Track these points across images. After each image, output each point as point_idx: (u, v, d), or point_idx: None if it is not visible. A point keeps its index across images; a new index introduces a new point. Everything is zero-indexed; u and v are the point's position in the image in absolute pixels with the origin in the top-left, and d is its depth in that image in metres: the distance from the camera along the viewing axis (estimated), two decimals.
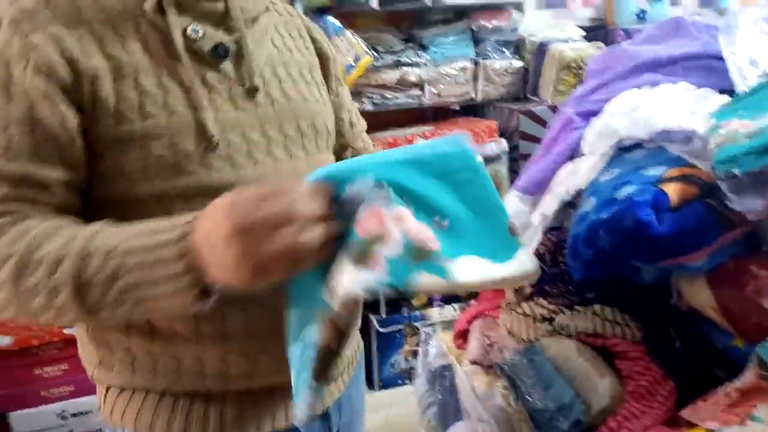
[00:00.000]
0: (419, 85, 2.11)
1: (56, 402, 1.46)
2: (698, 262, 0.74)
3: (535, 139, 2.00)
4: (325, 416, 0.78)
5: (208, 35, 0.66)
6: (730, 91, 0.97)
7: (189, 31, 0.64)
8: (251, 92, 0.69)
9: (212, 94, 0.66)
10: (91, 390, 1.52)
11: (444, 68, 2.14)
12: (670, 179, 0.77)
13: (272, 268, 0.50)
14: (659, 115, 0.90)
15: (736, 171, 0.65)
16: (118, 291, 0.53)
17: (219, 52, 0.66)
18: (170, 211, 0.62)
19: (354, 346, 0.86)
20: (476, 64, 2.17)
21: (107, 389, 0.76)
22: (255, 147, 0.70)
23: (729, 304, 0.73)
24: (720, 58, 1.00)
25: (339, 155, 0.89)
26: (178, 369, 0.69)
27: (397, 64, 2.08)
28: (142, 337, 0.69)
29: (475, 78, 2.18)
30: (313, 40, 0.84)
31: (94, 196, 0.66)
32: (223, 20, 0.67)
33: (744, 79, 0.98)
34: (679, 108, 0.92)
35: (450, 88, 2.17)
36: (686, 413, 0.68)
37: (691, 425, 0.66)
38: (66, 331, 1.42)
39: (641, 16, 2.26)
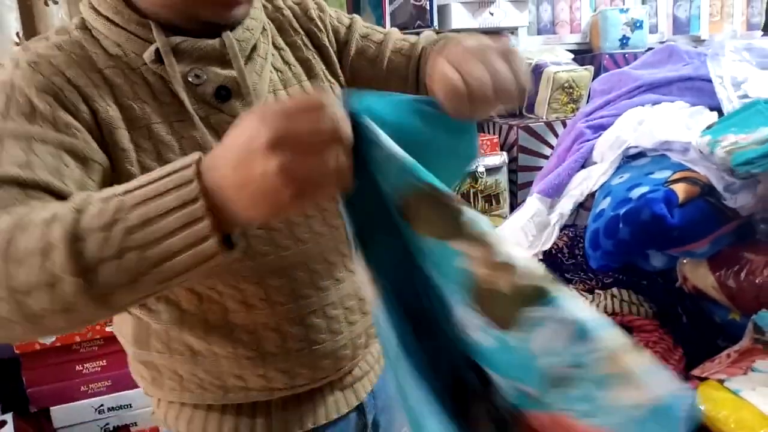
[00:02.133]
0: None
1: (95, 397, 1.54)
2: (701, 249, 0.89)
3: (533, 152, 2.14)
4: (359, 407, 0.81)
5: (209, 77, 0.66)
6: (718, 108, 1.13)
7: (190, 78, 0.65)
8: None
9: (221, 136, 0.64)
10: (126, 386, 1.60)
11: None
12: (676, 181, 0.92)
13: (307, 191, 0.43)
14: (661, 128, 1.06)
15: (756, 170, 0.77)
16: (119, 234, 0.44)
17: (221, 94, 0.67)
18: None
19: None
20: None
21: (159, 400, 0.80)
22: None
23: (727, 284, 0.87)
24: (709, 80, 1.16)
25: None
26: (223, 386, 0.73)
27: None
28: (185, 360, 0.72)
29: None
30: (301, 25, 0.79)
31: None
32: (222, 57, 0.67)
33: (729, 100, 1.14)
34: (677, 123, 1.07)
35: None
36: (696, 371, 0.81)
37: (701, 381, 0.80)
38: (106, 329, 1.50)
39: (623, 41, 2.43)
